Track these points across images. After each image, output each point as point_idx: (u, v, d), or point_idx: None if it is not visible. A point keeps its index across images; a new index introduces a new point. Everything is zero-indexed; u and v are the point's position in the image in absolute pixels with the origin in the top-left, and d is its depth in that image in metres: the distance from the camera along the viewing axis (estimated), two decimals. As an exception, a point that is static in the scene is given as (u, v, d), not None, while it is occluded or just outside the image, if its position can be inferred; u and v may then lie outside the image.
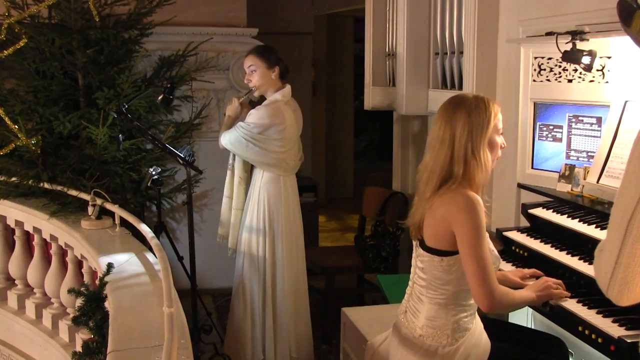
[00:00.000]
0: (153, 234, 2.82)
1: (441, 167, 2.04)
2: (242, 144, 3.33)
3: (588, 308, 2.09)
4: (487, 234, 2.05)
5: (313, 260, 4.16)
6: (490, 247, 2.09)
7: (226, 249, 3.60)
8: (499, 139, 2.10)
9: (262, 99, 3.48)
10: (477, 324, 2.16)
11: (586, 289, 2.20)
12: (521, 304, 2.14)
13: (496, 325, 2.38)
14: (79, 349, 2.76)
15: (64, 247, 3.44)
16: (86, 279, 3.25)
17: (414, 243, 2.19)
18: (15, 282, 3.92)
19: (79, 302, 2.58)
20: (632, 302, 1.40)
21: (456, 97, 2.11)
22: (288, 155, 3.43)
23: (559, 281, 2.21)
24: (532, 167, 2.87)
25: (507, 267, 2.53)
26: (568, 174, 2.64)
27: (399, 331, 2.22)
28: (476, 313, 2.17)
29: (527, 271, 2.37)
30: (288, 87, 3.45)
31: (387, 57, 4.23)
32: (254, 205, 3.44)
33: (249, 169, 3.52)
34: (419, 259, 2.14)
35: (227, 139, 3.38)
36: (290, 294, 3.48)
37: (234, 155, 3.48)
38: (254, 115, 3.35)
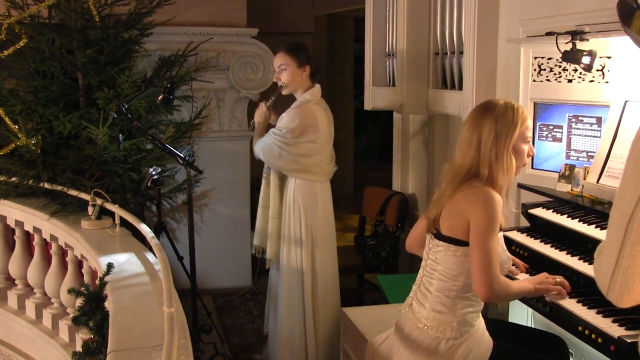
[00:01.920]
0: (153, 234, 2.82)
1: (468, 167, 2.10)
2: (275, 153, 3.23)
3: (588, 308, 2.09)
4: (499, 233, 2.10)
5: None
6: (502, 246, 2.15)
7: (227, 250, 3.58)
8: (526, 147, 2.16)
9: (281, 98, 3.39)
10: (481, 323, 2.20)
11: (586, 289, 2.20)
12: (519, 294, 2.19)
13: (497, 324, 2.39)
14: (79, 349, 2.76)
15: (64, 247, 3.43)
16: (86, 279, 3.25)
17: (428, 237, 2.23)
18: (15, 282, 3.92)
19: (79, 302, 2.58)
20: (633, 303, 1.40)
21: (488, 102, 2.18)
22: (321, 157, 3.34)
23: (560, 277, 2.22)
24: (532, 167, 2.86)
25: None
26: (568, 174, 2.64)
27: (401, 329, 2.24)
28: (480, 312, 2.19)
29: (520, 262, 2.45)
30: (318, 87, 3.35)
31: (387, 57, 4.23)
32: (289, 213, 3.34)
33: (284, 175, 3.40)
34: (433, 251, 2.18)
35: (260, 148, 3.27)
36: (328, 302, 3.42)
37: None
38: (285, 119, 3.24)
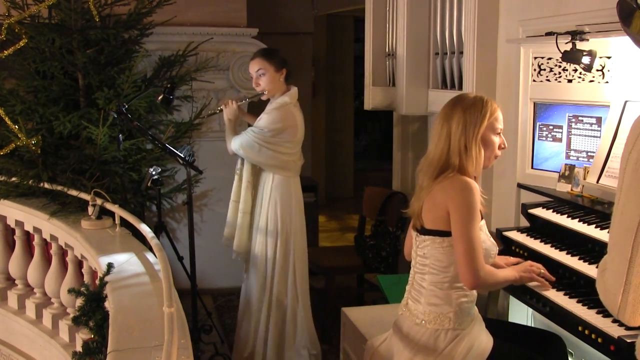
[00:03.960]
0: (153, 234, 2.82)
1: (438, 159, 2.15)
2: (255, 149, 3.33)
3: (588, 308, 2.10)
4: (481, 220, 2.13)
5: (313, 260, 4.16)
6: (486, 233, 2.18)
7: (227, 250, 3.58)
8: (497, 139, 2.18)
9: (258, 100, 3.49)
10: (478, 315, 2.22)
11: (586, 289, 2.20)
12: (504, 282, 2.24)
13: (497, 324, 2.39)
14: (79, 349, 2.76)
15: (64, 247, 3.43)
16: (86, 279, 3.25)
17: (414, 235, 2.25)
18: (16, 282, 3.92)
19: (79, 302, 2.58)
20: None
21: (458, 95, 2.23)
22: (297, 156, 3.46)
23: (540, 265, 2.30)
24: (532, 167, 2.87)
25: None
26: (568, 174, 2.64)
27: (400, 328, 2.25)
28: (475, 301, 2.21)
29: (512, 259, 2.47)
30: (295, 89, 3.45)
31: (387, 57, 4.23)
32: (264, 209, 3.43)
33: (257, 173, 3.51)
34: (420, 247, 2.21)
35: (239, 144, 3.36)
36: (301, 294, 3.51)
37: (242, 160, 3.46)
38: (266, 120, 3.35)
